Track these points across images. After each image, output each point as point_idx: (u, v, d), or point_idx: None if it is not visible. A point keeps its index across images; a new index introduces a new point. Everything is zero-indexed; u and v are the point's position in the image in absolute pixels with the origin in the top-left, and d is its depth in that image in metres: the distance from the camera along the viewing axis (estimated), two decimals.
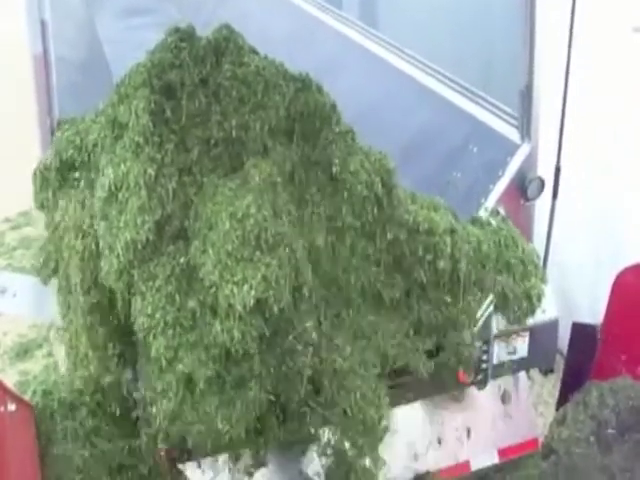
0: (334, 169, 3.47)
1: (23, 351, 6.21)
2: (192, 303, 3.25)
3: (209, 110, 3.35)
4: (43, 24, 3.43)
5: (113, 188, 3.36)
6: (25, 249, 7.00)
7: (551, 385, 5.22)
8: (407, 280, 3.64)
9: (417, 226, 3.59)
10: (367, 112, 4.86)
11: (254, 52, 3.51)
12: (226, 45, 3.44)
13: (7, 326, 6.37)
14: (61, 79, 5.05)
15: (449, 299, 3.71)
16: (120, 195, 3.34)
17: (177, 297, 3.26)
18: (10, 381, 3.46)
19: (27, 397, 3.53)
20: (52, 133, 3.60)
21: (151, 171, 3.26)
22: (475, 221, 3.92)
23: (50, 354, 6.01)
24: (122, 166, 3.35)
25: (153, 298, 3.26)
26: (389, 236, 3.55)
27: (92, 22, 8.59)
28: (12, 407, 3.11)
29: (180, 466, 3.56)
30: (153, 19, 8.56)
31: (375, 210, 3.51)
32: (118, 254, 3.28)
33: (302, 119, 3.47)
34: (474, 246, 3.74)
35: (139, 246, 3.25)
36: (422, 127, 4.49)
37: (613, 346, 4.00)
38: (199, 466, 3.59)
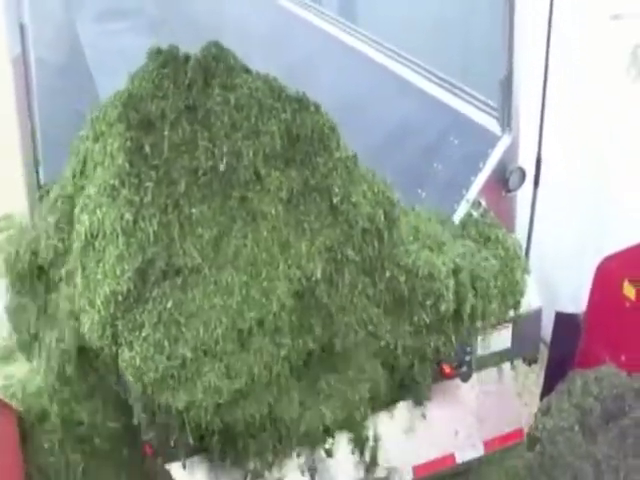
0: (335, 199, 3.35)
1: (7, 354, 6.14)
2: (183, 349, 3.14)
3: (195, 138, 3.23)
4: (22, 27, 3.36)
5: (89, 236, 3.23)
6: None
7: (535, 375, 5.21)
8: (409, 323, 3.59)
9: (417, 270, 3.50)
10: (348, 106, 4.83)
11: (246, 71, 3.37)
12: (216, 65, 3.31)
13: None
14: (40, 82, 5.03)
15: (451, 332, 3.70)
16: (97, 244, 3.21)
17: (166, 344, 3.13)
18: None
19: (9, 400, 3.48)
20: (33, 135, 3.53)
21: (129, 216, 3.12)
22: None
23: None
24: (98, 212, 3.20)
25: (141, 348, 3.11)
26: (387, 274, 3.46)
27: (73, 25, 8.53)
28: None
29: (166, 466, 3.50)
30: (133, 22, 8.49)
31: (376, 244, 3.42)
32: (99, 308, 3.13)
33: (300, 142, 3.35)
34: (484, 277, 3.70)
35: (120, 298, 3.10)
36: (402, 120, 4.48)
37: (596, 335, 4.00)
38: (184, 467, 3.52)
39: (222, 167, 3.24)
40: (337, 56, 5.33)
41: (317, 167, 3.36)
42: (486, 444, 4.16)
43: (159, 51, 3.33)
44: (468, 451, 4.13)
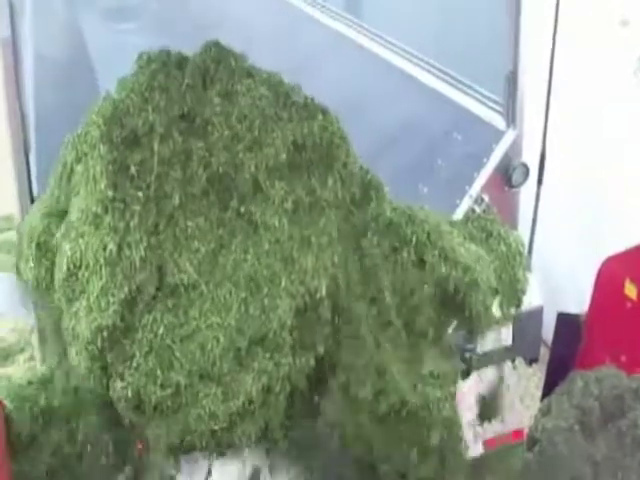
0: (344, 211, 3.21)
1: (4, 356, 6.09)
2: (177, 376, 2.97)
3: (189, 148, 3.05)
4: (11, 6, 3.27)
5: (72, 267, 3.01)
6: (6, 253, 6.77)
7: (537, 378, 5.16)
8: None
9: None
10: (351, 101, 4.80)
11: (248, 74, 3.18)
12: (215, 68, 3.13)
13: None
14: (40, 74, 5.00)
15: None
16: (80, 274, 3.00)
17: (159, 373, 2.96)
18: None
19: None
20: (22, 119, 3.44)
21: (112, 245, 2.91)
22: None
23: (32, 358, 5.91)
24: (80, 241, 2.99)
25: (133, 378, 2.95)
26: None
27: (77, 23, 8.54)
28: None
29: None
30: (139, 22, 8.50)
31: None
32: (85, 343, 2.94)
33: (306, 151, 3.16)
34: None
35: (106, 333, 2.91)
36: (405, 115, 4.45)
37: (598, 335, 3.97)
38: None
39: (220, 177, 3.09)
40: (341, 52, 5.30)
41: (325, 178, 3.19)
42: (486, 443, 4.12)
43: (149, 59, 3.16)
44: (468, 450, 4.10)
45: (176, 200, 3.02)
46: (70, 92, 5.57)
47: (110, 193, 2.92)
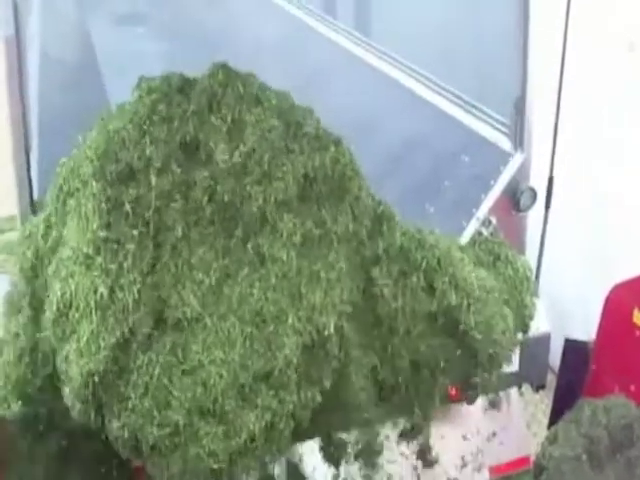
0: (355, 245, 3.11)
1: None
2: (175, 415, 2.84)
3: (191, 178, 2.93)
4: (15, 5, 3.23)
5: (62, 307, 2.89)
6: (8, 254, 6.93)
7: (544, 405, 5.10)
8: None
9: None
10: (359, 119, 4.77)
11: (258, 101, 3.04)
12: (223, 93, 2.99)
13: None
14: (46, 75, 4.98)
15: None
16: (70, 315, 2.87)
17: (156, 413, 2.84)
18: None
19: None
20: (24, 118, 3.40)
21: (103, 288, 2.77)
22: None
23: None
24: (70, 281, 2.86)
25: (129, 419, 2.84)
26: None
27: (85, 25, 8.58)
28: None
29: None
30: (148, 27, 8.54)
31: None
32: (77, 386, 2.82)
33: (317, 184, 3.04)
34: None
35: (97, 378, 2.78)
36: (413, 135, 4.41)
37: (606, 363, 3.91)
38: None
39: (226, 206, 2.96)
40: (350, 69, 5.28)
41: (336, 210, 3.09)
42: (492, 470, 4.05)
43: (150, 89, 3.01)
44: (473, 476, 4.02)
45: (179, 232, 2.91)
46: (76, 94, 5.56)
47: (102, 234, 2.81)
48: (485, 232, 3.88)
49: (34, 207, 3.44)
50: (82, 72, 6.55)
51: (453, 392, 3.82)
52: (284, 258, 2.99)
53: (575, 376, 4.06)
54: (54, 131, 4.16)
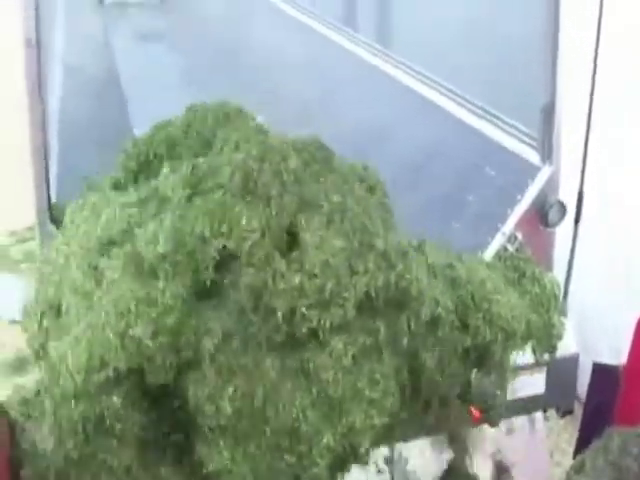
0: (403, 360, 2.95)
1: (18, 366, 6.03)
2: None
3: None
4: (37, 7, 3.20)
5: None
6: (30, 262, 7.04)
7: (568, 433, 4.92)
8: None
9: None
10: (380, 132, 4.70)
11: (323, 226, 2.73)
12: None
13: (5, 339, 6.17)
14: (68, 88, 4.98)
15: None
16: None
17: None
18: (3, 395, 3.23)
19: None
20: (43, 124, 3.33)
21: None
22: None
23: None
24: None
25: None
26: None
27: (107, 37, 8.65)
28: None
29: None
30: (170, 43, 8.59)
31: None
32: None
33: (377, 302, 2.81)
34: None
35: None
36: (435, 148, 4.31)
37: (636, 389, 3.73)
38: None
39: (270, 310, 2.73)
40: (371, 82, 5.19)
41: (392, 325, 2.91)
42: None
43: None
44: None
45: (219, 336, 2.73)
46: (97, 107, 5.58)
47: None
48: (511, 248, 3.73)
49: (52, 216, 3.40)
50: (103, 85, 6.59)
51: (475, 413, 3.68)
52: (330, 379, 2.78)
53: (604, 402, 3.87)
54: (74, 143, 4.13)
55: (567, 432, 4.93)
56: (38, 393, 3.15)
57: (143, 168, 3.37)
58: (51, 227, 3.38)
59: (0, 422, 3.14)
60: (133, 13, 10.57)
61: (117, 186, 3.39)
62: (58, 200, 3.44)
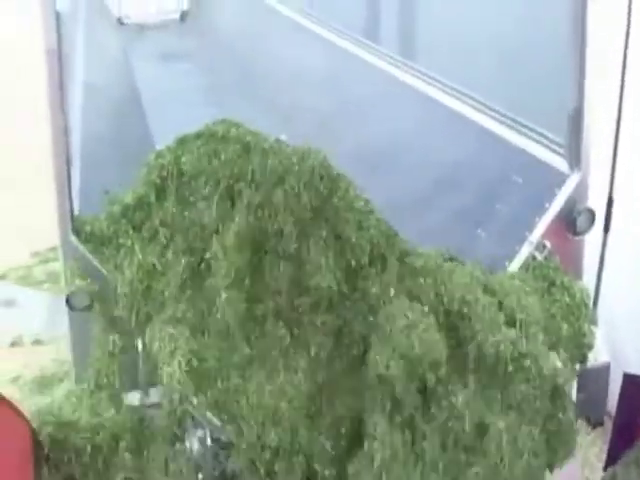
0: None
1: (44, 384, 6.07)
2: None
3: None
4: (58, 17, 3.21)
5: None
6: (53, 283, 7.02)
7: (597, 447, 4.82)
8: None
9: None
10: (407, 145, 4.69)
11: None
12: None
13: (28, 358, 6.24)
14: (89, 106, 4.99)
15: None
16: None
17: None
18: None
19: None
20: (65, 137, 3.33)
21: None
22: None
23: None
24: None
25: None
26: None
27: (128, 57, 8.70)
28: None
29: None
30: (189, 64, 8.64)
31: None
32: None
33: None
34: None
35: None
36: (461, 158, 4.27)
37: None
38: None
39: None
40: (396, 95, 5.16)
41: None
42: None
43: None
44: None
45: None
46: (118, 124, 5.60)
47: None
48: (539, 257, 3.68)
49: (74, 228, 3.41)
50: (124, 103, 6.63)
51: None
52: None
53: (635, 414, 3.80)
54: (96, 160, 4.13)
55: (596, 446, 4.83)
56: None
57: (167, 183, 3.39)
58: (73, 239, 3.38)
59: (25, 432, 3.19)
60: (153, 33, 10.68)
61: (141, 202, 3.41)
62: (80, 213, 3.46)
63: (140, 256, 3.34)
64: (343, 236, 3.24)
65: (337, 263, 3.23)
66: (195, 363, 3.12)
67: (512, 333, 3.23)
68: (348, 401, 3.22)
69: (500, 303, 3.34)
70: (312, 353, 3.20)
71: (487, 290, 3.37)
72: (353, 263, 3.24)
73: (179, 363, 3.09)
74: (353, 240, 3.23)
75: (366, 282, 3.25)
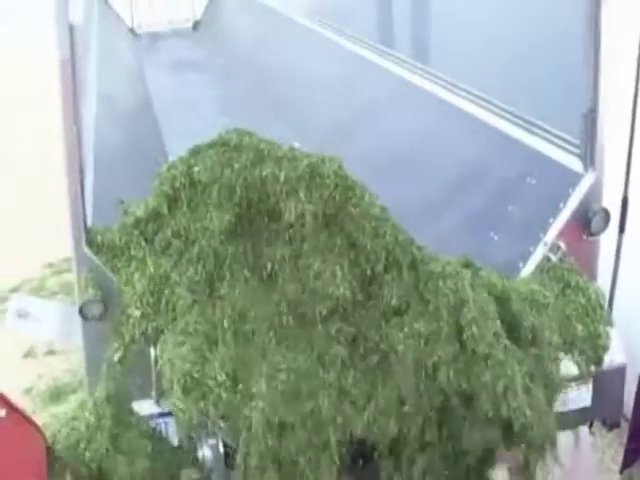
0: None
1: (57, 395, 6.07)
2: None
3: None
4: (71, 28, 3.22)
5: None
6: (66, 294, 7.00)
7: (614, 450, 4.77)
8: None
9: None
10: (418, 147, 4.66)
11: None
12: None
13: (42, 369, 6.27)
14: (103, 116, 5.00)
15: None
16: None
17: None
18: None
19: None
20: (78, 143, 3.32)
21: None
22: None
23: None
24: None
25: None
26: None
27: (141, 68, 8.73)
28: (1, 413, 2.90)
29: None
30: (203, 74, 8.65)
31: None
32: None
33: None
34: None
35: None
36: (475, 161, 4.23)
37: None
38: None
39: None
40: (407, 98, 5.14)
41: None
42: None
43: None
44: None
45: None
46: (131, 134, 5.60)
47: None
48: (553, 258, 3.64)
49: (88, 239, 3.38)
50: (137, 113, 6.66)
51: None
52: None
53: None
54: (109, 170, 4.12)
55: (612, 449, 4.78)
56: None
57: (180, 193, 3.36)
58: (86, 250, 3.36)
59: (39, 444, 3.19)
60: (166, 42, 10.72)
61: (153, 214, 3.38)
62: (94, 224, 3.43)
63: (152, 269, 3.31)
64: (358, 244, 3.22)
65: (352, 271, 3.22)
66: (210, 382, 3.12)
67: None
68: None
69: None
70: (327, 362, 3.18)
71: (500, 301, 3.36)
72: (368, 272, 3.23)
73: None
74: (368, 248, 3.21)
75: (381, 290, 3.23)
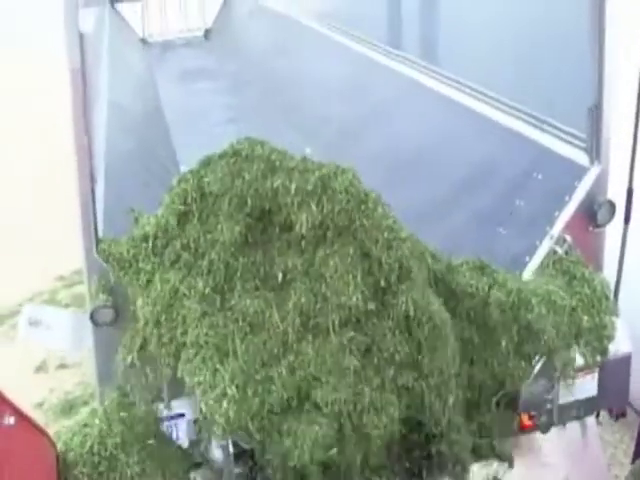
0: None
1: (68, 407, 6.09)
2: None
3: None
4: (82, 37, 3.26)
5: None
6: (78, 307, 6.93)
7: (625, 445, 4.79)
8: None
9: None
10: (427, 146, 4.71)
11: None
12: None
13: (53, 383, 6.30)
14: (114, 124, 5.03)
15: None
16: None
17: None
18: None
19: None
20: (89, 152, 3.37)
21: None
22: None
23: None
24: None
25: None
26: None
27: (152, 77, 8.75)
28: (10, 420, 2.83)
29: None
30: (214, 83, 8.68)
31: None
32: None
33: None
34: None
35: None
36: (483, 158, 4.27)
37: None
38: None
39: None
40: (416, 98, 5.18)
41: None
42: None
43: None
44: None
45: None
46: (142, 142, 5.61)
47: None
48: (560, 251, 3.69)
49: (99, 249, 3.40)
50: (148, 122, 6.65)
51: (526, 421, 3.64)
52: None
53: None
54: (120, 180, 4.13)
55: (624, 443, 4.80)
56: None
57: (191, 207, 3.33)
58: (98, 259, 3.37)
59: (49, 452, 3.23)
60: (177, 51, 10.76)
61: (165, 230, 3.35)
62: (105, 235, 3.43)
63: (159, 283, 3.28)
64: (371, 255, 3.21)
65: (365, 281, 3.21)
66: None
67: None
68: None
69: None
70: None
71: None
72: (382, 283, 3.22)
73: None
74: (382, 260, 3.20)
75: (395, 300, 3.24)
